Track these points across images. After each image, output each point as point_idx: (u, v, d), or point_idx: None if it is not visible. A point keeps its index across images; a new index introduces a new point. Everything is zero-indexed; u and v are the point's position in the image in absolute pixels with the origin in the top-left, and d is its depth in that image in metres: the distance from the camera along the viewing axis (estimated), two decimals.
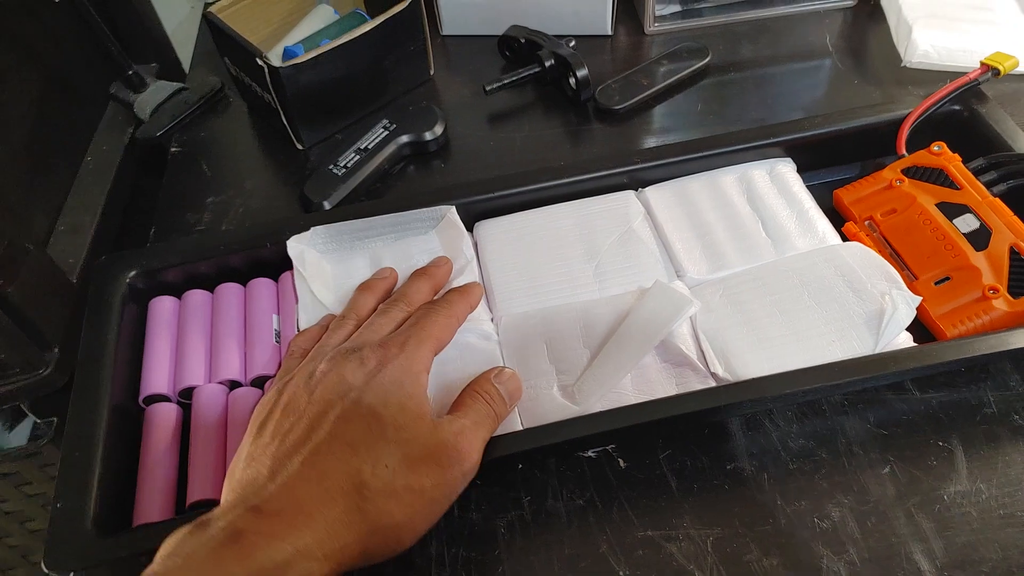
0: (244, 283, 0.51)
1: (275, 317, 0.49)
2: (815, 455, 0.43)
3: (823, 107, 0.63)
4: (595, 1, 0.68)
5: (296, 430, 0.37)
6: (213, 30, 0.63)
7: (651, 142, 0.62)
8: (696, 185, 0.54)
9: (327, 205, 0.57)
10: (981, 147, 0.53)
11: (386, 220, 0.52)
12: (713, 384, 0.44)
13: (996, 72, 0.54)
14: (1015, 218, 0.48)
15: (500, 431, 0.41)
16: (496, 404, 0.41)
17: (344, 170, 0.59)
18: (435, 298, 0.47)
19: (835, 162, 0.56)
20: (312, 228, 0.51)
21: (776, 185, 0.53)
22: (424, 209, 0.52)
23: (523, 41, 0.66)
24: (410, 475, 0.36)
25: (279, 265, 0.51)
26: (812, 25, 0.69)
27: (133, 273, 0.50)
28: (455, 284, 0.49)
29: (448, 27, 0.71)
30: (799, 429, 0.44)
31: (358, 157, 0.60)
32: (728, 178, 0.54)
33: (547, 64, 0.64)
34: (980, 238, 0.47)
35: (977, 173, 0.51)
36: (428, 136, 0.61)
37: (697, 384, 0.44)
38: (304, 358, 0.43)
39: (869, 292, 0.46)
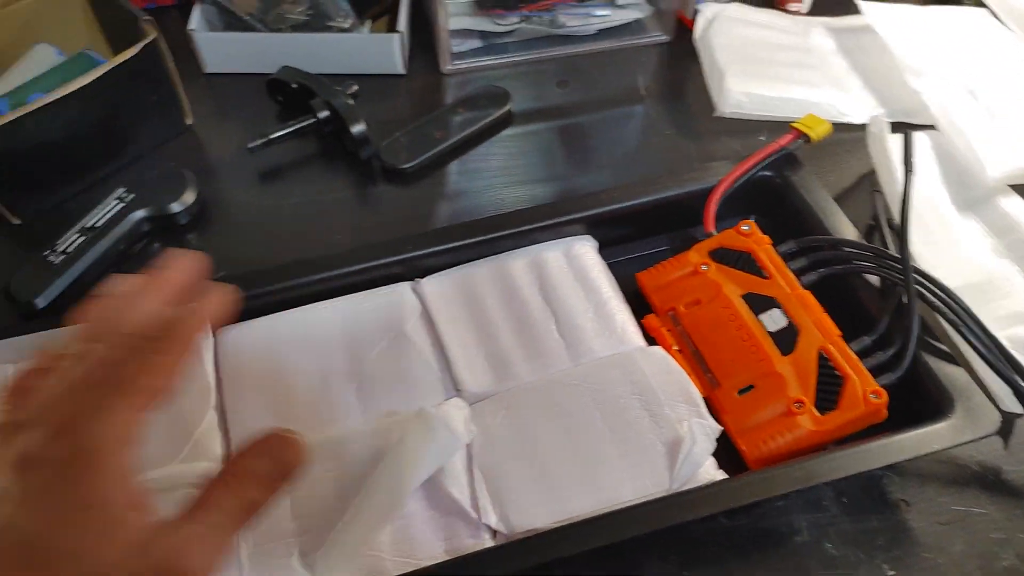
0: None
1: None
2: None
3: (633, 163, 0.56)
4: (382, 39, 0.59)
5: None
6: None
7: (443, 208, 0.54)
8: (482, 273, 0.46)
9: (40, 303, 0.47)
10: (793, 219, 0.48)
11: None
12: (486, 540, 0.37)
13: (807, 138, 0.49)
14: (824, 315, 0.43)
15: None
16: (251, 489, 0.27)
17: (64, 256, 0.48)
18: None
19: (640, 236, 0.50)
20: None
21: (573, 270, 0.46)
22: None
23: (294, 87, 0.56)
24: None
25: None
26: (625, 64, 0.62)
27: None
28: None
29: (212, 64, 0.60)
30: None
31: (83, 239, 0.48)
32: (518, 263, 0.46)
33: (321, 116, 0.54)
34: (787, 338, 0.42)
35: (787, 258, 0.46)
36: (175, 208, 0.51)
37: (468, 540, 0.37)
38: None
39: (667, 417, 0.40)
